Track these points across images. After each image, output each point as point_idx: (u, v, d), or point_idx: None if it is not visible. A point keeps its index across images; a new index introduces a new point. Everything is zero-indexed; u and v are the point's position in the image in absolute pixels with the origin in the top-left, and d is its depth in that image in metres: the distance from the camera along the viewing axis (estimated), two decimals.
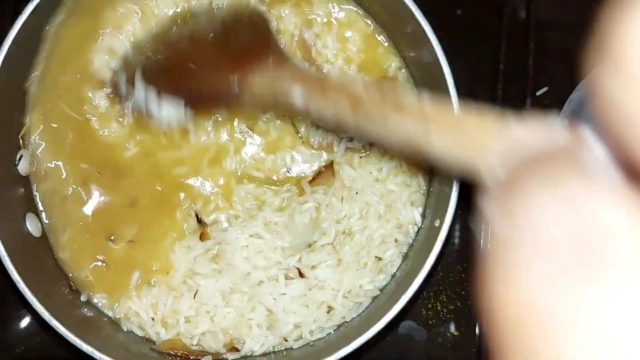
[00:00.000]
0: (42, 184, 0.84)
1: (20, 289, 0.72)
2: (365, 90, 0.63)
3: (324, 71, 0.87)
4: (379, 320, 0.76)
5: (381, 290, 0.86)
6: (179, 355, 0.80)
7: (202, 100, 0.78)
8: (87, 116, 0.84)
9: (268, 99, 0.72)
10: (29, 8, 0.76)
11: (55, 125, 0.84)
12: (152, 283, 0.84)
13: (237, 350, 0.82)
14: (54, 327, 0.72)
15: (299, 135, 0.88)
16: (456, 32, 1.04)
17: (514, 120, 0.45)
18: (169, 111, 0.75)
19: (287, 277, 0.84)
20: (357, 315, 0.86)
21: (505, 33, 1.01)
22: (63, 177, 0.83)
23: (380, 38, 0.90)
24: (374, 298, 0.86)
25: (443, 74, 0.76)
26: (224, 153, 0.86)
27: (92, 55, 0.84)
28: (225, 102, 0.79)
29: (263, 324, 0.83)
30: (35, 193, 0.83)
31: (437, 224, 0.80)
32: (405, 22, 0.79)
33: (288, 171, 0.87)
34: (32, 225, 0.80)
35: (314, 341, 0.84)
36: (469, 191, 0.99)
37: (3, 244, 0.74)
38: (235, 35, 0.79)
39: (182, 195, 0.85)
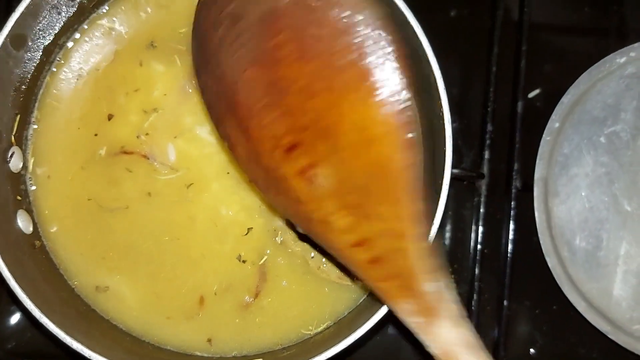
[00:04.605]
0: None
1: (11, 287, 0.72)
2: None
3: None
4: (369, 319, 0.75)
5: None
6: None
7: None
8: None
9: None
10: (22, 6, 0.76)
11: None
12: None
13: None
14: (44, 325, 0.72)
15: None
16: (448, 33, 1.04)
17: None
18: None
19: None
20: (348, 313, 0.86)
21: (497, 35, 1.01)
22: None
23: None
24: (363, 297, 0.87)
25: (434, 76, 0.76)
26: None
27: None
28: None
29: None
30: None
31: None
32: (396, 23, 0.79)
33: None
34: (22, 223, 0.80)
35: (302, 340, 0.84)
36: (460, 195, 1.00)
37: None
38: None
39: None
